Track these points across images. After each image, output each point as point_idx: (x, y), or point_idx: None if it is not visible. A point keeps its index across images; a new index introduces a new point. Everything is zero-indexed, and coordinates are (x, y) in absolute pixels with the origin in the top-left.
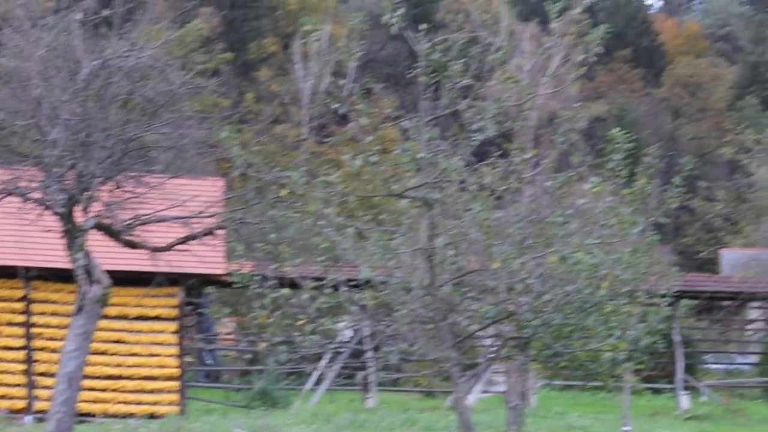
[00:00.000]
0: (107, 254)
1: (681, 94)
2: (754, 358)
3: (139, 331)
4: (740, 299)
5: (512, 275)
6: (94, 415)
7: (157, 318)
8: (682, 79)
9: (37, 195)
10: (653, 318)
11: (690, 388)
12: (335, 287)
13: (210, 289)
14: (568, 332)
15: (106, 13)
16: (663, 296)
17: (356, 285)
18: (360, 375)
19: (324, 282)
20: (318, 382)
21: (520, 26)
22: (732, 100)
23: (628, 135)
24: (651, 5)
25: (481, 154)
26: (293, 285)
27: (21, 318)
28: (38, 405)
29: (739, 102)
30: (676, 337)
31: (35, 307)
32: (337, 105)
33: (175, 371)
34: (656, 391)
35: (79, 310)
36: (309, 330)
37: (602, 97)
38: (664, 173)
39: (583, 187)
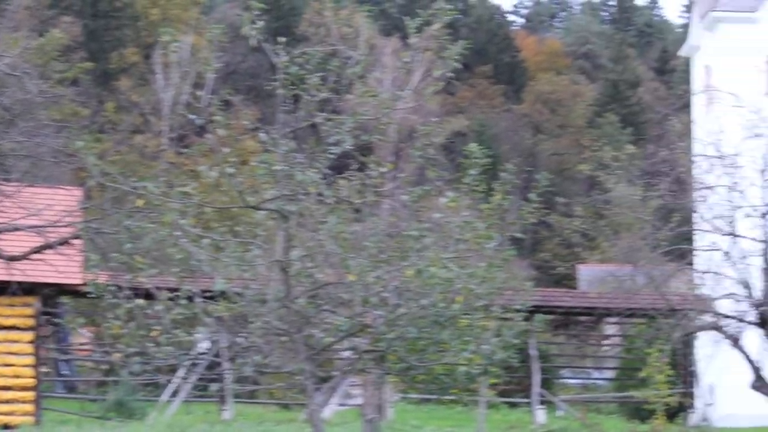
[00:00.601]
0: None
1: (541, 110)
2: (610, 374)
3: None
4: (596, 315)
5: (367, 288)
6: None
7: (12, 328)
8: (543, 96)
9: None
10: (508, 332)
11: (546, 403)
12: (190, 298)
13: (66, 299)
14: (423, 346)
15: None
16: (518, 311)
17: (211, 296)
18: (215, 387)
19: (179, 293)
20: (174, 393)
21: (381, 40)
22: (592, 117)
23: (486, 150)
24: (513, 22)
25: (340, 167)
26: (148, 296)
27: None
28: None
29: (598, 119)
30: (533, 352)
31: None
32: (194, 116)
33: (31, 381)
34: (512, 406)
35: None
36: (163, 341)
37: (463, 112)
38: (523, 189)
39: (439, 202)
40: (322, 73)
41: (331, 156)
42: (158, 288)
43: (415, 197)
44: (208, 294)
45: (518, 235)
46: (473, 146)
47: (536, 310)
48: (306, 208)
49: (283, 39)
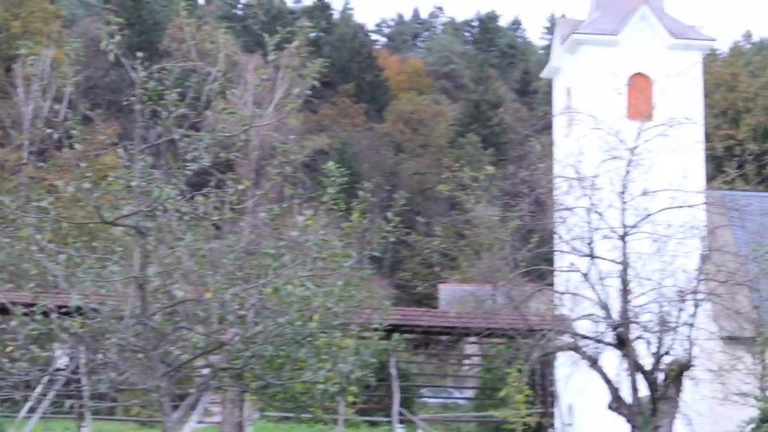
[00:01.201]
0: None
1: (403, 129)
2: (469, 393)
3: None
4: (456, 334)
5: (224, 305)
6: None
7: None
8: (405, 115)
9: None
10: (366, 351)
11: (406, 422)
12: (46, 314)
13: None
14: (280, 364)
15: None
16: (376, 330)
17: (67, 312)
18: (72, 403)
19: (35, 308)
20: (32, 410)
21: (244, 57)
22: (453, 137)
23: (347, 169)
24: (376, 41)
25: (199, 183)
26: (3, 311)
27: None
28: None
29: (460, 139)
30: (392, 371)
31: None
32: (51, 130)
33: None
34: (373, 424)
35: None
36: (19, 357)
37: (325, 130)
38: (384, 208)
39: (297, 220)
40: (180, 89)
41: (189, 172)
42: (13, 303)
43: (273, 215)
44: (64, 310)
45: (376, 254)
46: (331, 165)
47: (396, 329)
48: (164, 225)
49: (142, 54)
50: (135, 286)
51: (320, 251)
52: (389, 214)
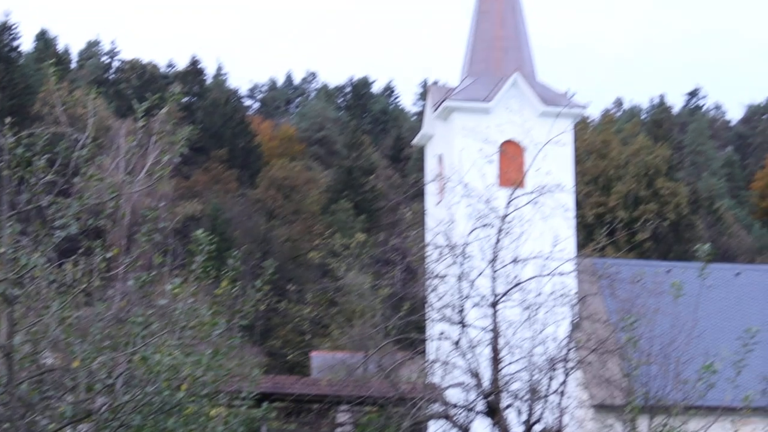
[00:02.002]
0: None
1: (275, 195)
2: None
3: None
4: (327, 402)
5: (92, 374)
6: None
7: None
8: (277, 181)
9: None
10: (235, 420)
11: None
12: None
13: None
14: None
15: None
16: (244, 398)
17: None
18: None
19: None
20: None
21: (116, 122)
22: (326, 203)
23: (219, 235)
24: (249, 106)
25: (69, 250)
26: None
27: None
28: None
29: (332, 205)
30: None
31: None
32: None
33: None
34: None
35: None
36: None
37: (197, 196)
38: (256, 275)
39: (165, 288)
40: (49, 154)
41: (57, 239)
42: None
43: (141, 283)
44: None
45: (243, 322)
46: (200, 233)
47: (267, 397)
48: (32, 292)
49: (11, 118)
50: (1, 354)
51: (189, 320)
52: (258, 283)
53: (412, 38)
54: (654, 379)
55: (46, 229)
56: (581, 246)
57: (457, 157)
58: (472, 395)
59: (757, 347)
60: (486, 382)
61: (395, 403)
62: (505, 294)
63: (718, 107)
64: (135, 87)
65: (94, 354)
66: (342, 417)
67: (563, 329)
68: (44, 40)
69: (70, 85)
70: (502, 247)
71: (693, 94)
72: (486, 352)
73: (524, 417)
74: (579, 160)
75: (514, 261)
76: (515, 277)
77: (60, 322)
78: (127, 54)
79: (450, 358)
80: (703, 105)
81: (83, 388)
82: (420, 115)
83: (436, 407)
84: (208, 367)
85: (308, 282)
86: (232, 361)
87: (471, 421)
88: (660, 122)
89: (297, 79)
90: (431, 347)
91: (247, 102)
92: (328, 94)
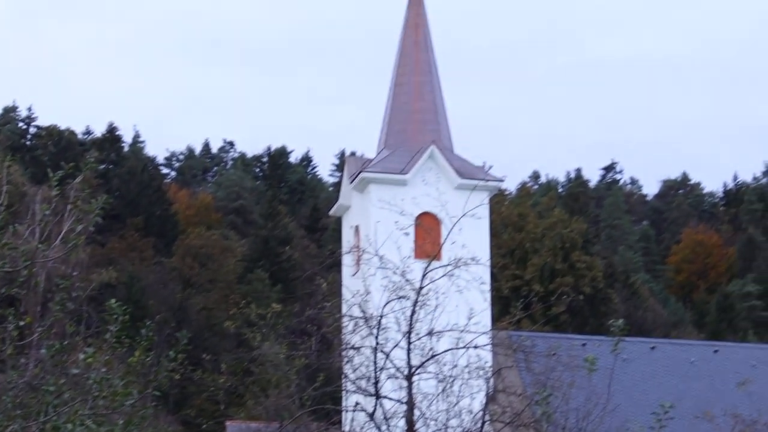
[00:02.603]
0: None
1: (192, 264)
2: None
3: None
4: None
5: None
6: None
7: None
8: (193, 250)
9: None
10: None
11: None
12: None
13: None
14: None
15: None
16: None
17: None
18: None
19: None
20: None
21: (33, 188)
22: (242, 272)
23: (134, 303)
24: (166, 174)
25: None
26: None
27: None
28: None
29: (248, 275)
30: None
31: None
32: None
33: None
34: None
35: None
36: None
37: (113, 263)
38: (171, 344)
39: (79, 357)
40: None
41: None
42: None
43: (54, 351)
44: None
45: (157, 392)
46: (113, 303)
47: None
48: None
49: None
50: None
51: (101, 389)
52: (172, 353)
53: (330, 109)
54: None
55: None
56: (497, 319)
57: (373, 229)
58: None
59: (671, 422)
60: None
61: None
62: (420, 366)
63: (634, 182)
64: (52, 153)
65: (5, 422)
66: None
67: (478, 402)
68: None
69: None
70: (417, 319)
71: (609, 168)
72: (401, 424)
73: None
74: (495, 233)
75: (430, 333)
76: (431, 349)
77: None
78: (44, 120)
79: (365, 429)
80: (619, 179)
81: None
82: (337, 185)
83: None
84: None
85: (224, 351)
86: (146, 430)
87: None
88: (576, 196)
89: (214, 148)
90: (346, 419)
91: (165, 170)
92: (245, 163)
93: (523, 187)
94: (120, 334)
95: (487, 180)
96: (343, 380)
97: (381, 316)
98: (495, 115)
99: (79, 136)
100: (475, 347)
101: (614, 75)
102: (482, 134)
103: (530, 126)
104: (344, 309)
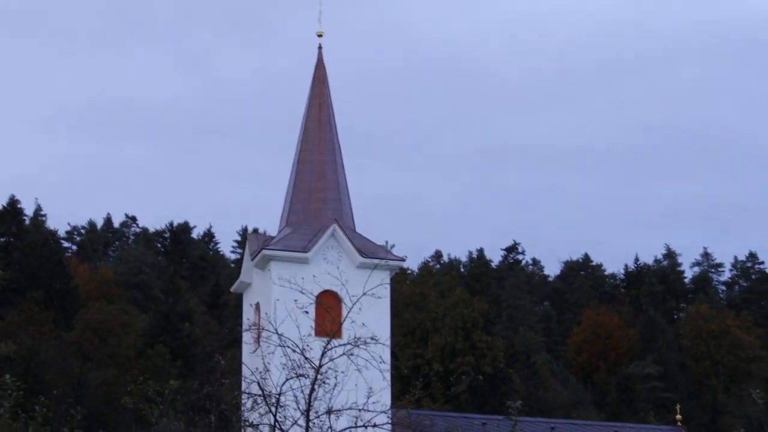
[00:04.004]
0: None
1: (91, 338)
2: None
3: None
4: None
5: None
6: None
7: None
8: (93, 324)
9: None
10: None
11: None
12: None
13: None
14: None
15: None
16: None
17: None
18: None
19: None
20: None
21: None
22: (142, 347)
23: (32, 378)
24: (67, 248)
25: None
26: None
27: None
28: None
29: (148, 350)
30: None
31: None
32: None
33: None
34: None
35: None
36: None
37: (12, 336)
38: (69, 419)
39: None
40: None
41: None
42: None
43: None
44: None
45: None
46: (8, 379)
47: None
48: None
49: None
50: None
51: None
52: (65, 429)
53: (233, 185)
54: None
55: None
56: (397, 397)
57: (273, 306)
58: None
59: None
60: None
61: None
62: None
63: (536, 263)
64: None
65: None
66: None
67: None
68: None
69: None
70: (316, 397)
71: (511, 249)
72: None
73: None
74: (396, 312)
75: (329, 412)
76: (329, 427)
77: None
78: None
79: None
80: (521, 260)
81: None
82: (239, 262)
83: None
84: None
85: (122, 427)
86: None
87: None
88: (478, 276)
89: (116, 223)
90: None
91: (66, 244)
92: (147, 238)
93: (425, 267)
94: (15, 409)
95: (389, 259)
96: None
97: (280, 394)
98: (398, 194)
99: None
100: (375, 426)
101: (518, 158)
102: (385, 214)
103: (434, 206)
104: (243, 386)
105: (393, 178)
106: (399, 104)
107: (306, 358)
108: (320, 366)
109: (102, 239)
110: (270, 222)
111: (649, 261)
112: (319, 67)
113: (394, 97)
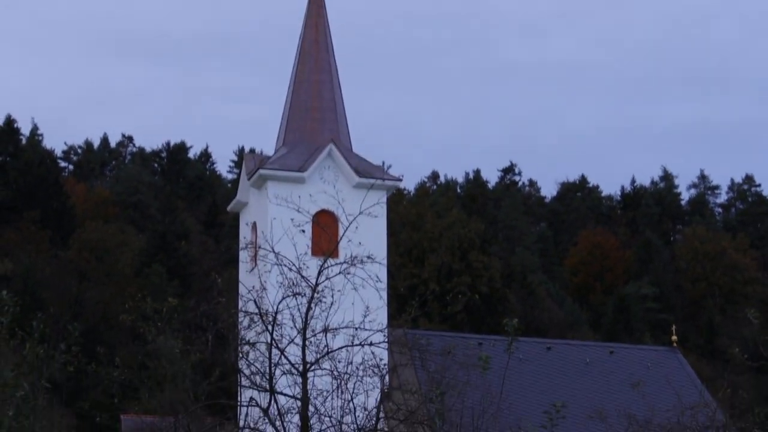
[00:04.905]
0: None
1: (88, 257)
2: None
3: None
4: None
5: None
6: None
7: None
8: (90, 243)
9: None
10: None
11: None
12: None
13: None
14: None
15: None
16: None
17: None
18: None
19: None
20: None
21: None
22: (139, 266)
23: (29, 296)
24: (64, 168)
25: None
26: None
27: None
28: None
29: (145, 269)
30: None
31: None
32: None
33: None
34: None
35: None
36: None
37: (9, 255)
38: (67, 337)
39: None
40: None
41: None
42: None
43: None
44: None
45: (48, 384)
46: (4, 294)
47: None
48: None
49: None
50: None
51: None
52: (63, 345)
53: (230, 105)
54: None
55: None
56: (393, 317)
57: (269, 226)
58: None
59: (564, 421)
60: None
61: None
62: (315, 363)
63: (532, 184)
64: None
65: None
66: None
67: (373, 399)
68: None
69: None
70: (312, 316)
71: (508, 170)
72: (295, 420)
73: None
74: (393, 232)
75: (325, 330)
76: (326, 346)
77: None
78: None
79: (259, 425)
80: (518, 181)
81: None
82: (235, 182)
83: None
84: (10, 428)
85: (119, 345)
86: (39, 422)
87: None
88: (475, 197)
89: (113, 143)
90: (241, 414)
91: (62, 164)
92: (143, 158)
93: (421, 187)
94: (12, 326)
95: (385, 179)
96: (238, 376)
97: (276, 313)
98: (396, 114)
99: None
100: (371, 344)
101: (515, 79)
102: (383, 134)
103: (431, 126)
104: (240, 305)
105: (390, 98)
106: (398, 25)
107: (302, 277)
108: (317, 285)
109: (99, 159)
110: (267, 142)
111: (646, 183)
112: None
113: (393, 17)
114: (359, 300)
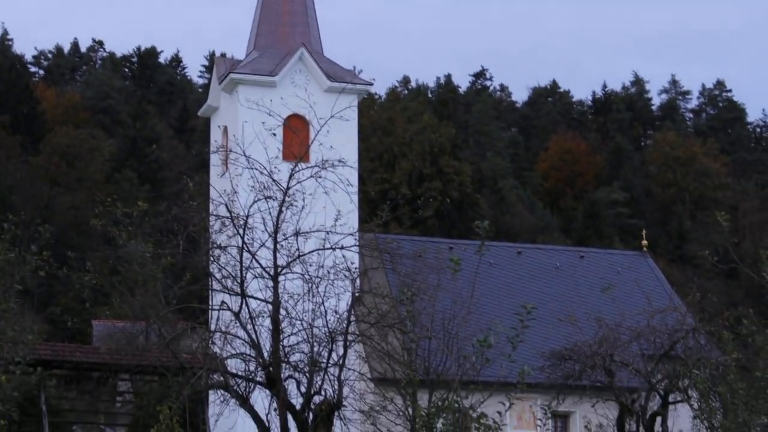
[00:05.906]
0: None
1: (59, 163)
2: (122, 430)
3: None
4: (107, 370)
5: None
6: None
7: None
8: (61, 149)
9: None
10: (8, 386)
11: None
12: None
13: None
14: None
15: None
16: (18, 363)
17: None
18: None
19: None
20: None
21: None
22: (110, 172)
23: None
24: (34, 73)
25: None
26: None
27: None
28: None
29: (116, 174)
30: (43, 407)
31: None
32: None
33: None
34: None
35: None
36: None
37: None
38: (37, 242)
39: None
40: None
41: None
42: None
43: None
44: None
45: (19, 286)
46: None
47: (45, 364)
48: None
49: None
50: None
51: None
52: (34, 247)
53: (201, 10)
54: (434, 353)
55: None
56: (364, 221)
57: (240, 129)
58: (252, 366)
59: (534, 324)
60: (266, 354)
61: (175, 373)
62: (286, 266)
63: (503, 88)
64: None
65: None
66: (123, 385)
67: (344, 303)
68: None
69: None
70: (284, 219)
71: (479, 75)
72: (267, 323)
73: (304, 389)
74: (364, 137)
75: (296, 234)
76: (297, 249)
77: None
78: None
79: (231, 328)
80: (489, 86)
81: None
82: (206, 86)
83: (216, 377)
84: None
85: (90, 250)
86: (10, 327)
87: (251, 392)
88: (446, 101)
89: (83, 48)
90: (212, 317)
91: (33, 69)
92: (114, 63)
93: (392, 92)
94: None
95: (356, 83)
96: (210, 279)
97: (247, 216)
98: (367, 18)
99: None
100: (342, 248)
101: None
102: (354, 38)
103: (402, 32)
104: (211, 208)
105: (362, 2)
106: None
107: (274, 180)
108: (288, 188)
109: (69, 64)
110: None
111: (617, 88)
112: None
113: None
114: (330, 204)
